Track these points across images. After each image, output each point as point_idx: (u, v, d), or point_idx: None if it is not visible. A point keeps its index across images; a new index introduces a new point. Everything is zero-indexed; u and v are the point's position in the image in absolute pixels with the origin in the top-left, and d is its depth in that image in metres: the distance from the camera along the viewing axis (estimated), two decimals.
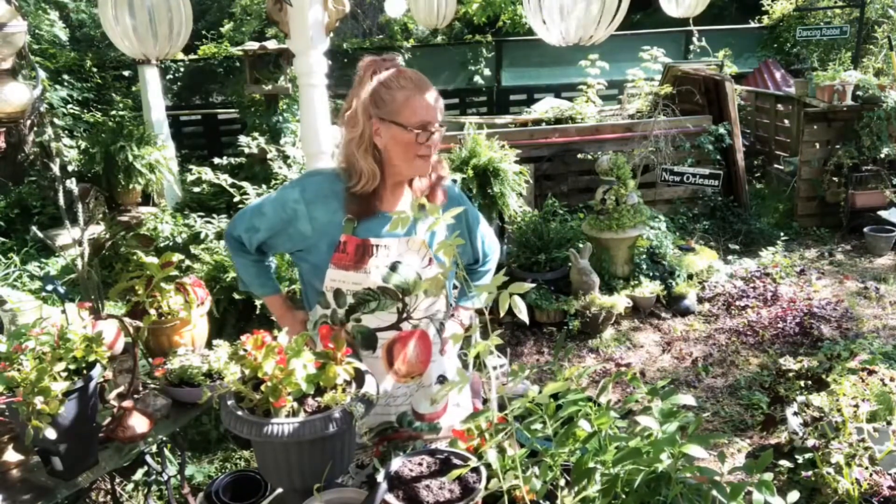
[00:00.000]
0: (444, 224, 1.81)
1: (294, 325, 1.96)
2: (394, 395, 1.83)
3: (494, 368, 1.33)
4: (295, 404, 1.40)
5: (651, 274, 5.07)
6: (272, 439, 1.35)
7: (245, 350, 1.46)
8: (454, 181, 4.41)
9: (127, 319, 1.97)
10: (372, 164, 1.72)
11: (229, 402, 1.42)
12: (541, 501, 1.29)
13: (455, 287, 2.05)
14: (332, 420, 1.37)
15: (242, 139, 6.14)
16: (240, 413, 1.39)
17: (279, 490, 1.70)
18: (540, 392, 1.32)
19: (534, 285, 1.63)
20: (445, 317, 1.91)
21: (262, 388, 1.41)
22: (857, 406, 2.79)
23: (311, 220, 1.76)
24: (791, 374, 3.80)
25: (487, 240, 2.02)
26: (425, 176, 1.81)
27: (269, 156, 5.82)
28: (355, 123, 1.71)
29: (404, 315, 1.79)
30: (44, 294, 3.31)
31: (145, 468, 2.44)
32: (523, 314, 1.30)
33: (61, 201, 2.67)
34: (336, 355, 1.49)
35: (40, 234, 2.92)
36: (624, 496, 1.16)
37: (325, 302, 1.80)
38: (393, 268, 1.74)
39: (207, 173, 5.33)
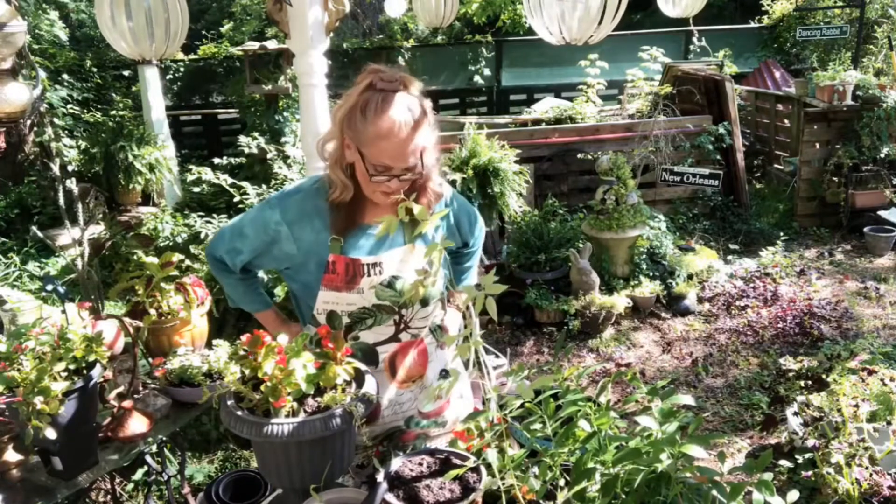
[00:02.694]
0: (439, 229, 1.78)
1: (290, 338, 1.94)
2: (399, 401, 1.81)
3: (494, 368, 1.33)
4: (295, 404, 1.40)
5: (651, 274, 5.07)
6: (272, 439, 1.35)
7: (245, 350, 1.46)
8: (453, 181, 4.41)
9: (127, 319, 1.96)
10: (341, 176, 1.66)
11: (229, 403, 1.42)
12: (540, 501, 1.29)
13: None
14: (332, 420, 1.37)
15: (242, 139, 6.15)
16: (239, 413, 1.39)
17: (279, 490, 1.70)
18: (536, 393, 1.32)
19: (506, 287, 1.56)
20: (442, 318, 1.89)
21: (262, 387, 1.41)
22: (857, 406, 2.79)
23: (296, 241, 1.70)
24: (791, 374, 3.79)
25: (476, 225, 2.00)
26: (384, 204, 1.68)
27: (269, 156, 5.83)
28: (333, 132, 1.65)
29: (402, 326, 1.76)
30: (44, 294, 3.31)
31: (145, 468, 2.45)
32: (493, 312, 1.29)
33: (61, 201, 2.67)
34: (336, 355, 1.49)
35: (40, 234, 2.92)
36: (624, 496, 1.16)
37: (317, 324, 1.74)
38: (389, 284, 1.70)
39: (207, 173, 5.33)
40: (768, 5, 10.35)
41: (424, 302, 1.76)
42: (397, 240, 1.72)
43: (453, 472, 1.30)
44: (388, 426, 1.83)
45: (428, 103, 1.65)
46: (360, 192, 1.69)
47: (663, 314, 4.91)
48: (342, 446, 1.47)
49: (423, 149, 1.61)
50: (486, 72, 10.33)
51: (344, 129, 1.61)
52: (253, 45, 6.66)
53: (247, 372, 1.45)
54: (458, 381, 1.92)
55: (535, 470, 1.29)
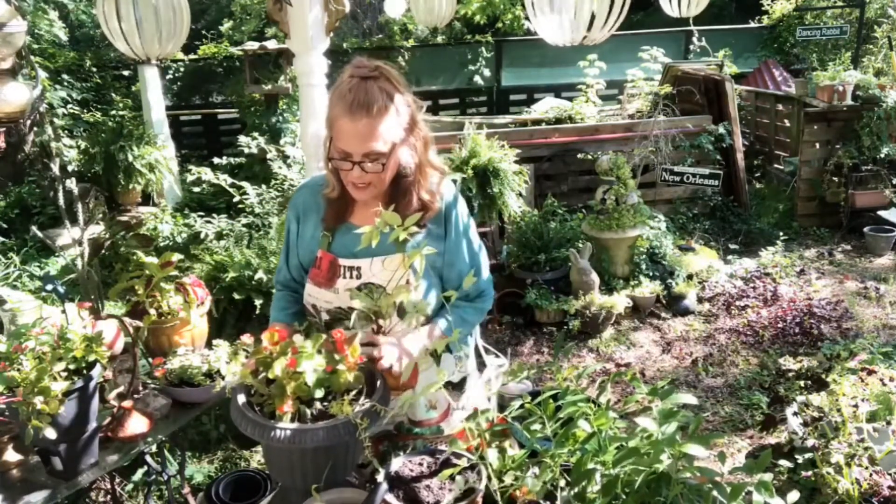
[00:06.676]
0: (422, 240, 1.70)
1: None
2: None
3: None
4: (303, 406, 1.40)
5: (651, 274, 5.07)
6: (275, 444, 1.35)
7: (246, 350, 1.46)
8: (454, 181, 4.40)
9: (127, 319, 1.97)
10: (328, 171, 1.68)
11: (240, 402, 1.42)
12: (540, 502, 1.29)
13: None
14: (336, 430, 1.36)
15: (242, 139, 6.16)
16: (249, 414, 1.39)
17: (279, 490, 1.70)
18: (536, 394, 1.32)
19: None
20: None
21: (273, 382, 1.41)
22: (856, 406, 2.79)
23: (301, 233, 1.78)
24: (791, 374, 3.80)
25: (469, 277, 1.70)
26: (362, 200, 1.67)
27: (268, 156, 5.83)
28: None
29: (380, 336, 1.72)
30: (44, 294, 3.31)
31: (145, 468, 2.44)
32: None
33: (61, 201, 2.67)
34: (348, 361, 1.48)
35: (40, 234, 2.92)
36: (624, 496, 1.16)
37: (308, 312, 1.82)
38: (364, 290, 1.68)
39: (207, 173, 5.34)
40: (768, 5, 10.35)
41: (402, 314, 1.69)
42: (384, 248, 1.61)
43: (449, 471, 1.30)
44: (377, 428, 1.80)
45: (408, 98, 1.60)
46: (346, 189, 1.70)
47: (663, 314, 4.91)
48: (346, 453, 1.47)
49: (385, 138, 1.55)
50: (486, 72, 10.32)
51: (326, 120, 1.62)
52: (253, 45, 6.67)
53: (259, 367, 1.45)
54: (463, 394, 1.88)
55: (536, 470, 1.29)
